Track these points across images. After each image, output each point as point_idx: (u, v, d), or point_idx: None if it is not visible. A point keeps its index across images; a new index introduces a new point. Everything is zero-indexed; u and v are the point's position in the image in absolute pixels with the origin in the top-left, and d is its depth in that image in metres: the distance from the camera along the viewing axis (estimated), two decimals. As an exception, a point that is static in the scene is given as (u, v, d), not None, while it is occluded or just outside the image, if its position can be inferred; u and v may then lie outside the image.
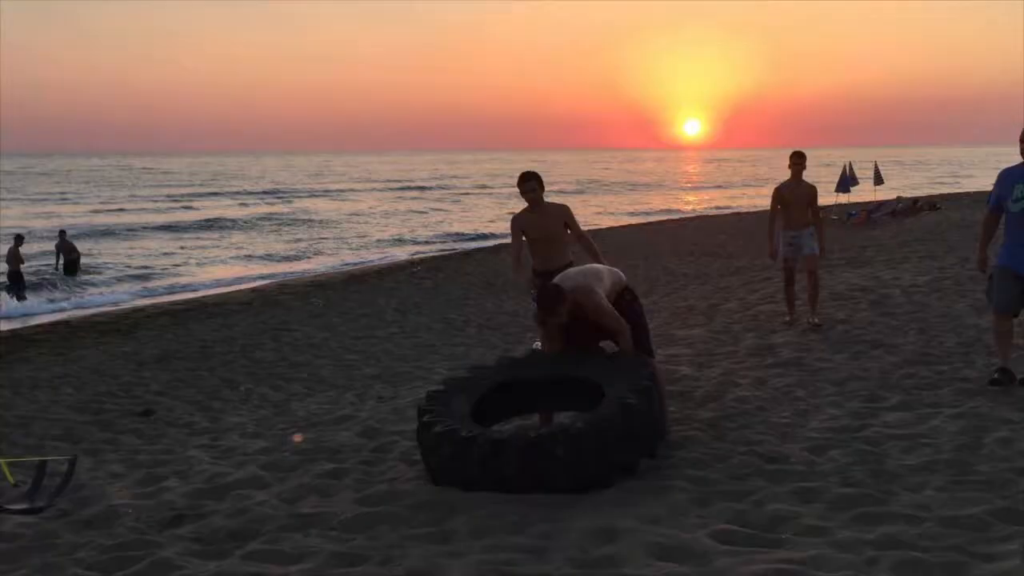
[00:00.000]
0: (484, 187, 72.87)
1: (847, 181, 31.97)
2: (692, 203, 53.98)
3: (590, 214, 43.88)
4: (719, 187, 72.73)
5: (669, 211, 46.19)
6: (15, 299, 20.01)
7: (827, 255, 9.69)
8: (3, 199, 57.64)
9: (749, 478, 4.83)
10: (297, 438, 6.75)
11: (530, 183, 6.82)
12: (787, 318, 9.47)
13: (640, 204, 53.32)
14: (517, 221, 6.96)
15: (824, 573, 3.55)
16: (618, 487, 4.75)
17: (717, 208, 46.62)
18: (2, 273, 21.21)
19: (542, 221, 6.88)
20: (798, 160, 9.32)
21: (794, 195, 9.33)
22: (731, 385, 6.97)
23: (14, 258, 20.62)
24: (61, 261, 23.31)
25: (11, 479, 5.97)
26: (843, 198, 32.60)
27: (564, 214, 6.96)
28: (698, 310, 11.46)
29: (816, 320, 9.16)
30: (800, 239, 9.30)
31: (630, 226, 35.37)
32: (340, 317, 15.01)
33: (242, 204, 53.73)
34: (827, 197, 34.07)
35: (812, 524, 4.13)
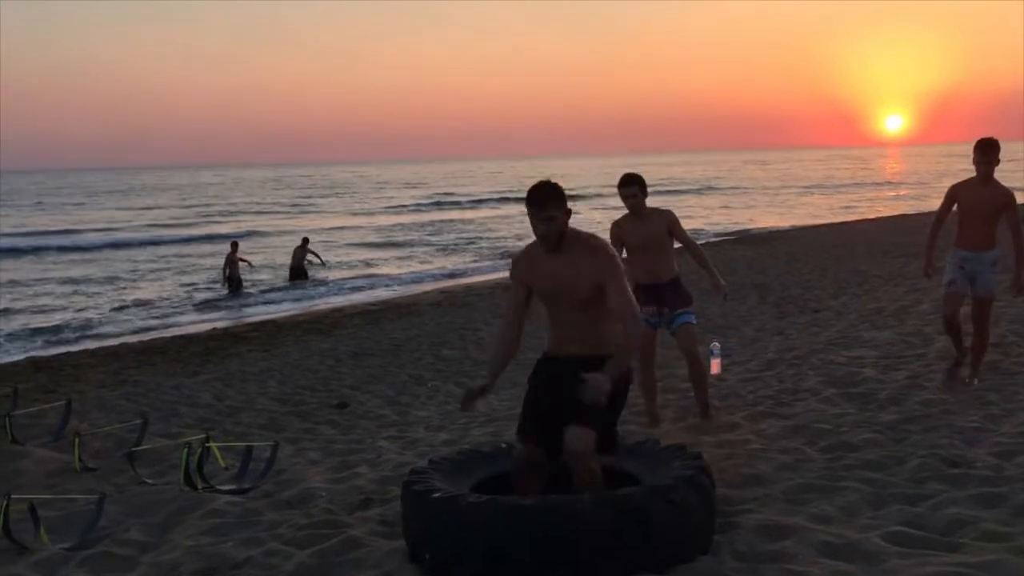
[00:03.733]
0: (710, 188, 71.16)
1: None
2: (891, 201, 51.50)
3: (784, 212, 42.76)
4: (920, 184, 69.06)
5: (865, 210, 44.28)
6: (229, 295, 21.64)
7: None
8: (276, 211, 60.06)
9: (928, 481, 4.69)
10: None
11: (631, 187, 6.18)
12: (954, 359, 7.18)
13: (836, 203, 51.39)
14: (616, 229, 6.34)
15: (1000, 578, 3.44)
16: (788, 486, 4.73)
17: (917, 206, 44.31)
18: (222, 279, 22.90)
19: (644, 228, 6.25)
20: (986, 154, 6.60)
21: (976, 200, 6.74)
22: (917, 388, 6.73)
23: (231, 263, 22.34)
24: (291, 264, 24.39)
25: (222, 462, 6.55)
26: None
27: (668, 220, 6.30)
28: (888, 312, 11.03)
29: (975, 381, 6.75)
30: (976, 265, 6.81)
31: (822, 226, 34.16)
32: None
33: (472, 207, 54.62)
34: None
35: (992, 529, 3.99)
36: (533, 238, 4.27)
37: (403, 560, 4.10)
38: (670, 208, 6.54)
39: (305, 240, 25.53)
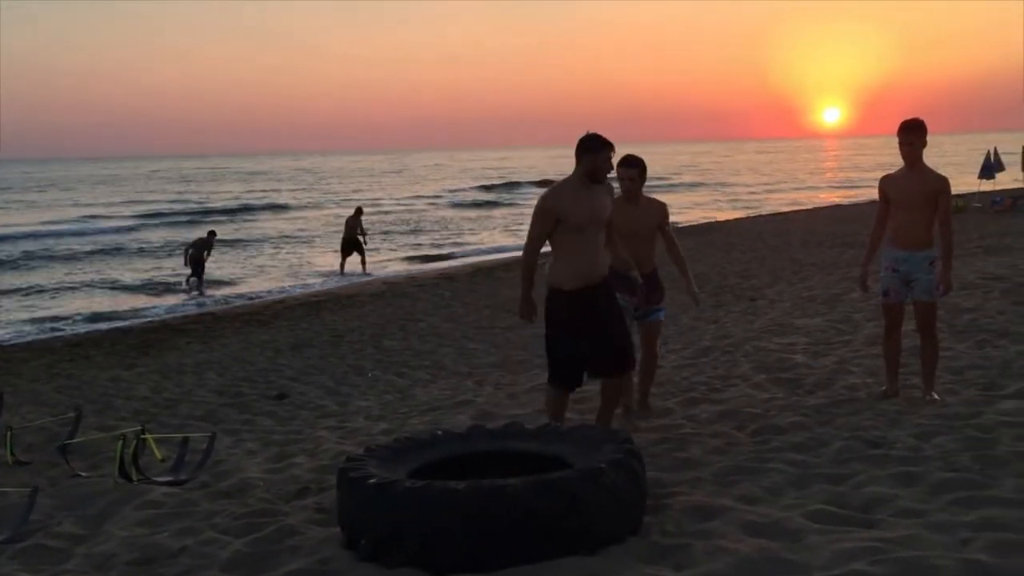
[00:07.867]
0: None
1: (991, 167, 30.51)
2: (826, 192, 52.50)
3: (714, 205, 43.35)
4: (854, 174, 70.44)
5: (802, 200, 45.07)
6: (194, 286, 20.95)
7: (952, 278, 6.15)
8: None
9: (850, 462, 4.86)
10: None
11: (632, 169, 5.89)
12: (884, 387, 6.31)
13: (774, 195, 52.19)
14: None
15: (914, 552, 3.59)
16: (717, 469, 4.87)
17: (851, 196, 45.24)
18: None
19: (637, 214, 5.97)
20: (907, 135, 5.84)
21: (904, 190, 5.93)
22: (844, 373, 6.94)
23: (198, 248, 21.39)
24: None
25: (158, 454, 6.52)
26: (987, 185, 31.14)
27: (662, 212, 6.09)
28: (820, 299, 11.31)
29: (934, 395, 6.06)
30: (911, 266, 5.99)
31: (759, 216, 34.74)
32: (464, 308, 15.41)
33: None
34: (965, 181, 32.71)
35: (909, 506, 4.16)
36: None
37: (338, 547, 4.14)
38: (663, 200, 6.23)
39: (358, 210, 23.61)
